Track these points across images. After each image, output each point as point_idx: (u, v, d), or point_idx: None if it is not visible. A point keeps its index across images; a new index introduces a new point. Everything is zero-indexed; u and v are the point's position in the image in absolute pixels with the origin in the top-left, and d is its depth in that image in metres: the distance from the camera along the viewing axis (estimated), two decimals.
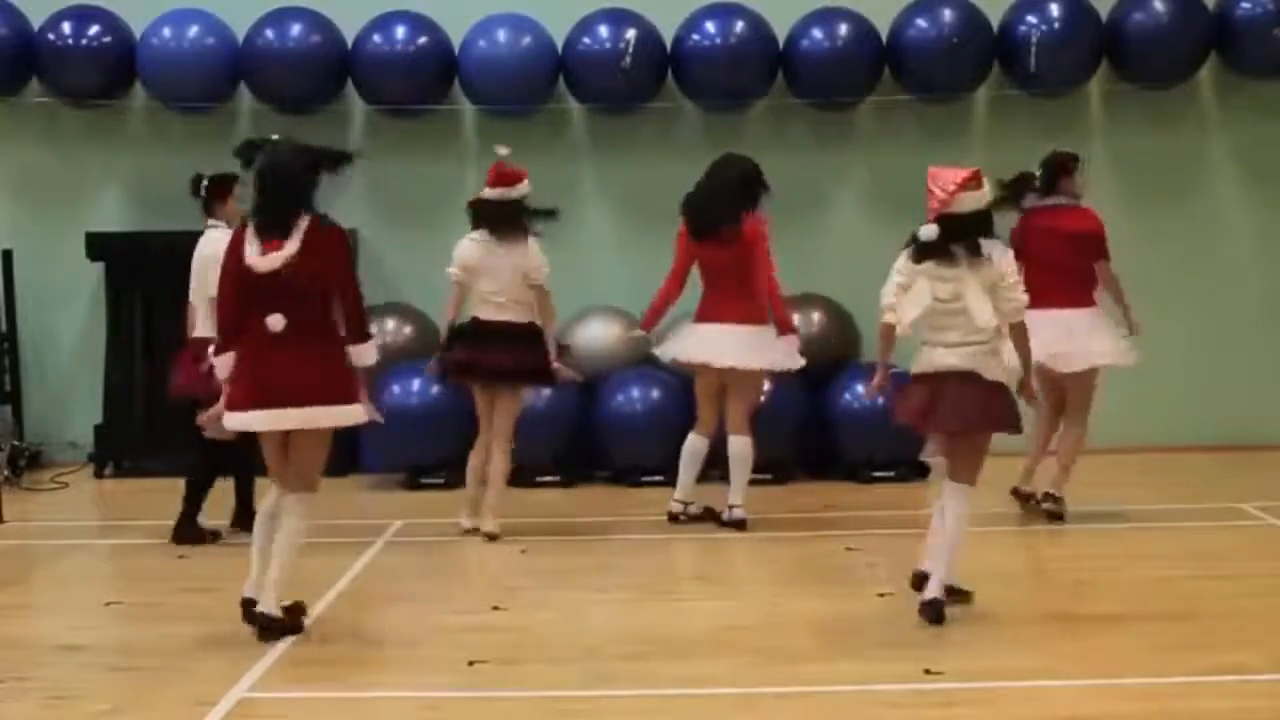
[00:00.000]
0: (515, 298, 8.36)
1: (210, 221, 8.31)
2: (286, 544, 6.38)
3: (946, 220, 6.46)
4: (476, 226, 8.46)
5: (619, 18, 10.79)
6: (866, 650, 6.18)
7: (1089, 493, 8.86)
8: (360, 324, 6.45)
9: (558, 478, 10.21)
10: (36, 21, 10.97)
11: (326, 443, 6.46)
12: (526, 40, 10.82)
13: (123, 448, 10.95)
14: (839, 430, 10.25)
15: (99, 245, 10.83)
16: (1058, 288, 8.38)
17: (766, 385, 8.99)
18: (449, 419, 9.76)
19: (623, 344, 10.01)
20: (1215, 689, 5.61)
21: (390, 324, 10.70)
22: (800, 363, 8.76)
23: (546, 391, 9.54)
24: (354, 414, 6.40)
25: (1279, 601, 6.87)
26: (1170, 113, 11.24)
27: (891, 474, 10.13)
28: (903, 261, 6.61)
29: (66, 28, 10.88)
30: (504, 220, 8.35)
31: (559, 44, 10.91)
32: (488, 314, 8.42)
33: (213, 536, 8.39)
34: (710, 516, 8.75)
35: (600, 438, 10.30)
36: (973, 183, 6.50)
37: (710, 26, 10.80)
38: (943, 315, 6.51)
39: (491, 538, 8.41)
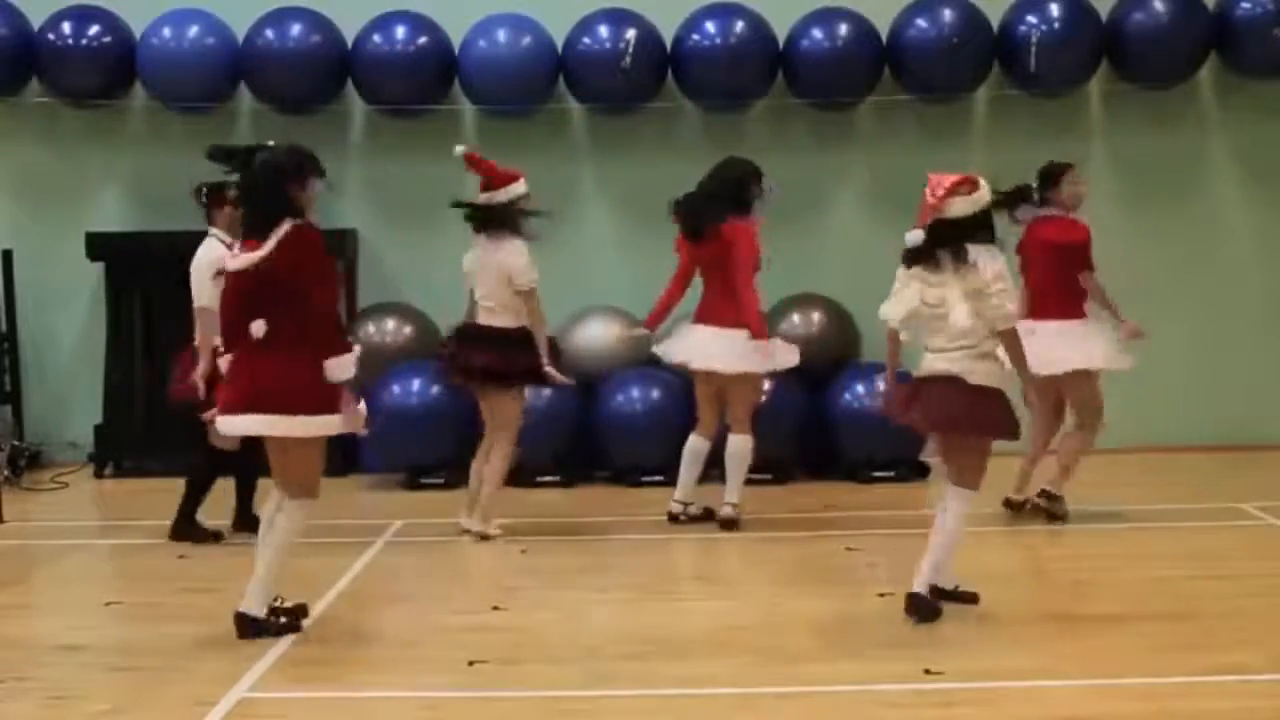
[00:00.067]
0: (503, 302, 8.31)
1: (212, 230, 8.30)
2: (275, 543, 6.38)
3: (934, 225, 6.47)
4: (477, 232, 8.47)
5: (619, 18, 10.78)
6: (866, 650, 6.18)
7: (1089, 493, 8.85)
8: (328, 334, 6.23)
9: (558, 478, 10.20)
10: (36, 21, 10.97)
11: (312, 449, 6.35)
12: (526, 40, 10.81)
13: (123, 448, 10.95)
14: (839, 430, 10.25)
15: (99, 245, 10.83)
16: (1050, 298, 8.48)
17: (767, 385, 8.99)
18: (449, 419, 9.79)
19: (624, 343, 9.99)
20: (1215, 689, 5.61)
21: (390, 324, 10.71)
22: (794, 360, 8.72)
23: (546, 391, 9.53)
24: (325, 424, 6.23)
25: (1279, 601, 6.87)
26: (1170, 113, 11.23)
27: (891, 474, 10.12)
28: (900, 268, 6.63)
29: (66, 28, 10.87)
30: (491, 223, 8.34)
31: (559, 44, 10.90)
32: (479, 318, 8.42)
33: (215, 537, 8.39)
34: (710, 517, 8.75)
35: (600, 438, 10.29)
36: (964, 187, 6.49)
37: (710, 26, 10.79)
38: (931, 320, 6.53)
39: (483, 537, 8.41)
